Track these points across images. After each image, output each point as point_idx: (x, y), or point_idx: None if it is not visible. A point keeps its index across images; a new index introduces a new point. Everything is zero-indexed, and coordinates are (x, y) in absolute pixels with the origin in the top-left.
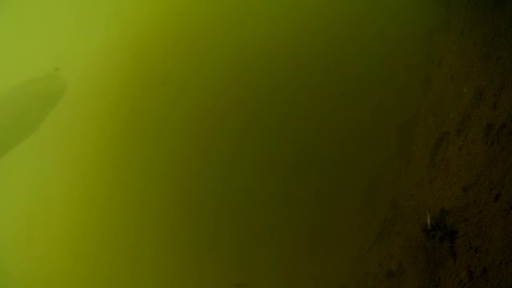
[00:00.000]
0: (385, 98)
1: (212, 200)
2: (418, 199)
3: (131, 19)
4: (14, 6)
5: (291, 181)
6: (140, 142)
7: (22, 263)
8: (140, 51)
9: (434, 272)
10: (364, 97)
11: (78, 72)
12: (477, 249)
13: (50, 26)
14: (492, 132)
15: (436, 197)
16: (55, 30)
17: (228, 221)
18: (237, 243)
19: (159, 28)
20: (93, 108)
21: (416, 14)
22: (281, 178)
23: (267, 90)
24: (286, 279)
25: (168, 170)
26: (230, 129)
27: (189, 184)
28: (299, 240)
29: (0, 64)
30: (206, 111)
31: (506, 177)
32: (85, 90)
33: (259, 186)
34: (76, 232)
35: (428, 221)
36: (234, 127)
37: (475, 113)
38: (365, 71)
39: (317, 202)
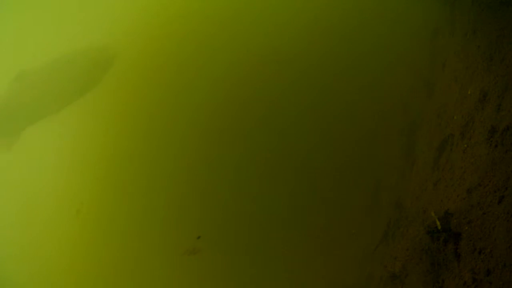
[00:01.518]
0: (389, 100)
1: (217, 202)
2: (422, 201)
3: (136, 19)
4: None
5: (297, 184)
6: (144, 143)
7: (23, 268)
8: (144, 52)
9: (438, 274)
10: (368, 99)
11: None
12: (481, 251)
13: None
14: (496, 134)
15: (441, 199)
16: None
17: (234, 223)
18: (245, 245)
19: (163, 29)
20: (95, 111)
21: (420, 17)
22: (287, 181)
23: (272, 93)
24: (290, 279)
25: (172, 173)
26: (236, 131)
27: (195, 185)
28: (304, 241)
29: (63, 31)
30: (212, 112)
31: (510, 179)
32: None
33: (264, 188)
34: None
35: (437, 222)
36: (240, 129)
37: (479, 115)
38: (369, 73)
39: (322, 204)
